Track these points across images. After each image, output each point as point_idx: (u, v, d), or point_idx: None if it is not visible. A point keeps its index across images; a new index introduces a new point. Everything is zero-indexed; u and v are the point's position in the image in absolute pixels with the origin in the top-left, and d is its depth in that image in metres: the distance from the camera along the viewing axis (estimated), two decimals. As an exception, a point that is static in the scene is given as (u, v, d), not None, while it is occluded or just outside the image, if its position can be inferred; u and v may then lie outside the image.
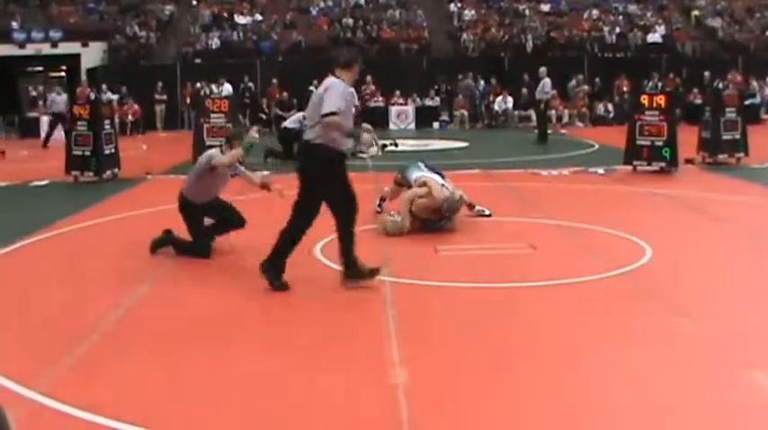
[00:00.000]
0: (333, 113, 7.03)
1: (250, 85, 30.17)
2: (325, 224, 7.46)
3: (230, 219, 9.00)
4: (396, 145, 20.99)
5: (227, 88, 27.84)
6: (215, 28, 34.25)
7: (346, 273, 7.46)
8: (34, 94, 32.35)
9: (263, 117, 29.57)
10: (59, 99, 24.60)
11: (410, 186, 10.22)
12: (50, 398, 4.85)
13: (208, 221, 8.99)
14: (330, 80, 7.27)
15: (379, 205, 10.82)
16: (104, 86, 28.79)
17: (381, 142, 20.33)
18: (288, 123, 19.88)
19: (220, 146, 9.22)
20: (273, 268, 7.32)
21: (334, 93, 7.14)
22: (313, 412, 4.73)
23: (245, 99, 28.31)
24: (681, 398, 4.88)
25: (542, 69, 23.19)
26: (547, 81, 22.98)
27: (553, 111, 27.93)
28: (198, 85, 29.38)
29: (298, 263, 8.25)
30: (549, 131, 24.08)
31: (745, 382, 5.11)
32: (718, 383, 5.11)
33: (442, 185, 10.03)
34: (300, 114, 20.24)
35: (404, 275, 7.73)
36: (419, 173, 10.33)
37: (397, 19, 35.10)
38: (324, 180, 7.27)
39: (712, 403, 4.84)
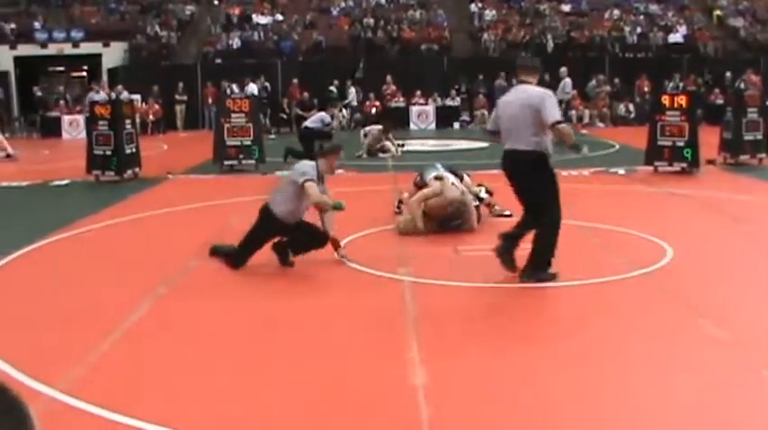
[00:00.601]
0: (562, 122, 7.48)
1: (267, 84, 30.16)
2: (342, 225, 7.52)
3: (312, 240, 8.22)
4: (402, 145, 20.98)
5: (253, 88, 27.90)
6: (236, 28, 34.33)
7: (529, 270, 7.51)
8: (39, 94, 32.41)
9: (284, 117, 29.63)
10: (98, 97, 24.91)
11: (423, 186, 10.25)
12: (72, 397, 4.88)
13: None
14: (534, 89, 7.57)
15: (398, 207, 10.81)
16: (120, 87, 28.77)
17: (397, 142, 20.39)
18: (309, 123, 19.92)
19: (315, 159, 8.44)
20: (541, 267, 7.46)
21: (553, 101, 7.43)
22: (332, 412, 4.74)
23: (263, 99, 28.28)
24: (702, 399, 4.86)
25: (563, 69, 23.15)
26: (568, 81, 22.95)
27: (574, 112, 27.86)
28: (225, 84, 29.39)
29: (318, 263, 8.26)
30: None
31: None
32: (740, 384, 5.08)
33: (453, 184, 10.04)
34: (321, 114, 20.31)
35: (424, 275, 7.71)
36: (435, 172, 10.34)
37: (417, 19, 35.07)
38: (545, 181, 7.47)
39: (734, 404, 4.80)
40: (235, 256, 8.22)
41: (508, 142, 7.63)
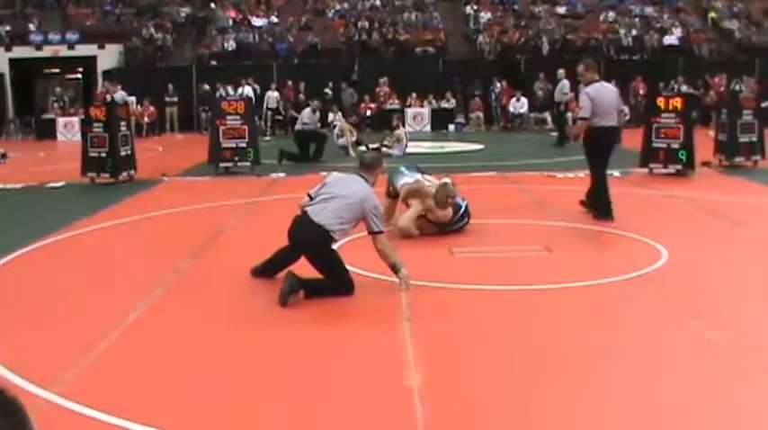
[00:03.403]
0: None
1: (256, 87, 29.97)
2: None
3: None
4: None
5: (248, 91, 27.88)
6: (231, 30, 34.33)
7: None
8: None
9: (279, 119, 29.61)
10: (117, 97, 25.16)
11: (398, 195, 10.16)
12: (67, 399, 4.87)
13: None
14: (610, 84, 11.64)
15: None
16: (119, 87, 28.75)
17: (385, 142, 20.42)
18: (298, 125, 19.93)
19: (365, 178, 7.58)
20: (601, 207, 10.79)
21: None
22: (328, 413, 4.74)
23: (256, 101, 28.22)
24: (697, 402, 4.87)
25: (560, 71, 23.16)
26: (565, 83, 22.96)
27: (570, 114, 27.87)
28: (206, 86, 29.40)
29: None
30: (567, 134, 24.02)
31: (764, 386, 5.09)
32: (735, 387, 5.08)
33: (428, 184, 10.02)
34: (305, 111, 20.26)
35: (419, 277, 7.68)
36: (404, 179, 10.22)
37: (413, 21, 35.08)
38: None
39: (729, 407, 4.81)
40: (345, 288, 7.25)
41: (606, 121, 10.67)
